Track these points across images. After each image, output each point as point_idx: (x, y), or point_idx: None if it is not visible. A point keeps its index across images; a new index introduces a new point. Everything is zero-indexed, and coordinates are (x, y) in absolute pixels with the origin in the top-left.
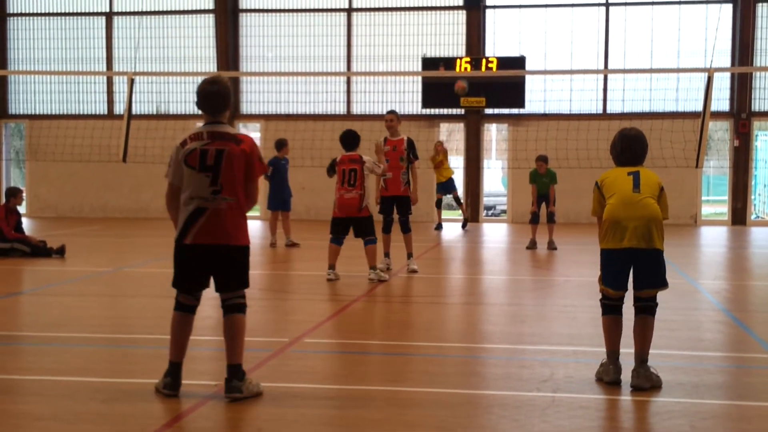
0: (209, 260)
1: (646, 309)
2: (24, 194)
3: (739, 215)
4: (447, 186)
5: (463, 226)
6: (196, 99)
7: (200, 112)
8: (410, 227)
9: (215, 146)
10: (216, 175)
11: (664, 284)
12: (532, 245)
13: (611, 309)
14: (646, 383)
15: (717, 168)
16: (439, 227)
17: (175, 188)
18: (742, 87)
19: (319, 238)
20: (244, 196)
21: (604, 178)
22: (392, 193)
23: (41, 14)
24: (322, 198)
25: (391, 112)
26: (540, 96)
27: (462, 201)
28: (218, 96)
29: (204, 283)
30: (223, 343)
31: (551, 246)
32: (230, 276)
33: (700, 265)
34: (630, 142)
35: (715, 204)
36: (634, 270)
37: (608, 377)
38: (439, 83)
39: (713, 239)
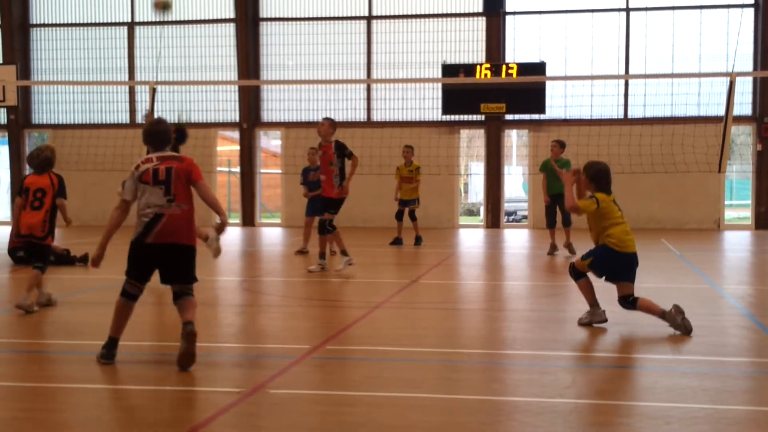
0: (163, 256)
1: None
2: None
3: (762, 219)
4: (408, 201)
5: (417, 243)
6: (142, 137)
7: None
8: (328, 229)
9: (164, 165)
10: (168, 187)
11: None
12: (553, 250)
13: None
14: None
15: (740, 172)
16: (397, 242)
17: (125, 204)
18: (764, 91)
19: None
20: (193, 206)
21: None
22: (326, 194)
23: (64, 25)
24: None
25: (326, 119)
26: (560, 101)
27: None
28: (162, 134)
29: (150, 277)
30: (246, 349)
31: (570, 249)
32: (180, 269)
33: (723, 270)
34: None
35: (739, 208)
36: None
37: (598, 318)
38: (459, 90)
39: (737, 244)
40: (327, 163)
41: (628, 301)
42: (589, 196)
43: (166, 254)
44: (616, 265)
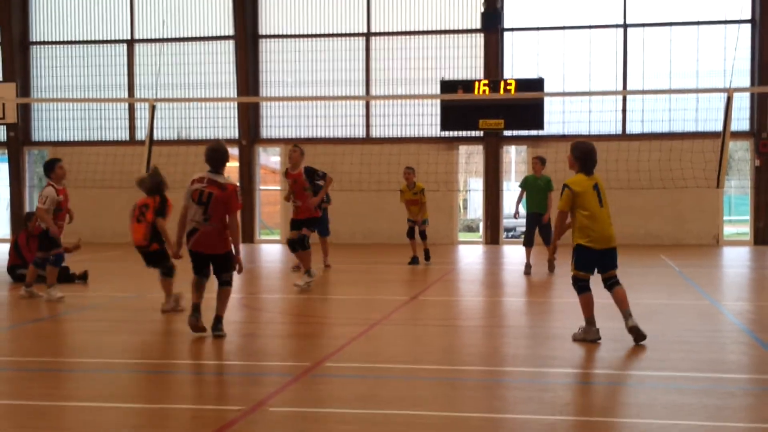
0: (202, 259)
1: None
2: None
3: (761, 235)
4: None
5: (426, 259)
6: (205, 157)
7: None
8: (306, 246)
9: (208, 189)
10: (206, 208)
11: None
12: (528, 270)
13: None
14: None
15: (738, 188)
16: (414, 261)
17: (184, 209)
18: (761, 106)
19: (340, 262)
20: (226, 223)
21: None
22: (303, 216)
23: (63, 42)
24: (342, 222)
25: (297, 147)
26: (559, 117)
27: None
28: (218, 158)
29: (204, 271)
30: (246, 367)
31: (550, 266)
32: (217, 267)
33: (722, 286)
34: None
35: (737, 224)
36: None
37: (592, 336)
38: (457, 106)
39: (736, 259)
40: (301, 189)
41: (607, 284)
42: (562, 186)
43: (204, 258)
44: (592, 258)
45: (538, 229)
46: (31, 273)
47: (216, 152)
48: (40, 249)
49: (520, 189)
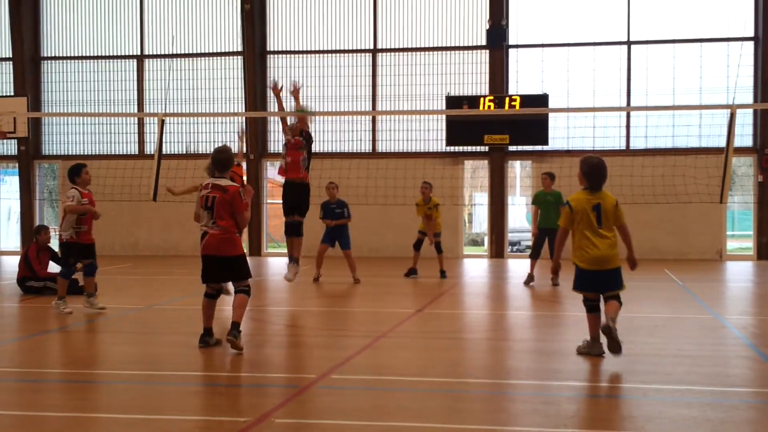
0: (214, 264)
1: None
2: (52, 231)
3: (764, 250)
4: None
5: (442, 276)
6: (209, 162)
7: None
8: (301, 232)
9: (212, 194)
10: (212, 212)
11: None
12: (530, 280)
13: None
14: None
15: (742, 203)
16: (412, 273)
17: (195, 213)
18: (764, 123)
19: (347, 275)
20: (235, 224)
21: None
22: (291, 176)
23: (74, 58)
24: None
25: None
26: (563, 133)
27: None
28: (222, 161)
29: (215, 279)
30: (252, 379)
31: (554, 281)
32: (230, 273)
33: (726, 301)
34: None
35: (741, 239)
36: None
37: (596, 351)
38: (463, 121)
39: (739, 274)
40: (295, 147)
41: (605, 298)
42: (565, 203)
43: (215, 262)
44: (588, 279)
45: (548, 243)
46: (61, 286)
47: (221, 154)
48: (68, 258)
49: (533, 207)
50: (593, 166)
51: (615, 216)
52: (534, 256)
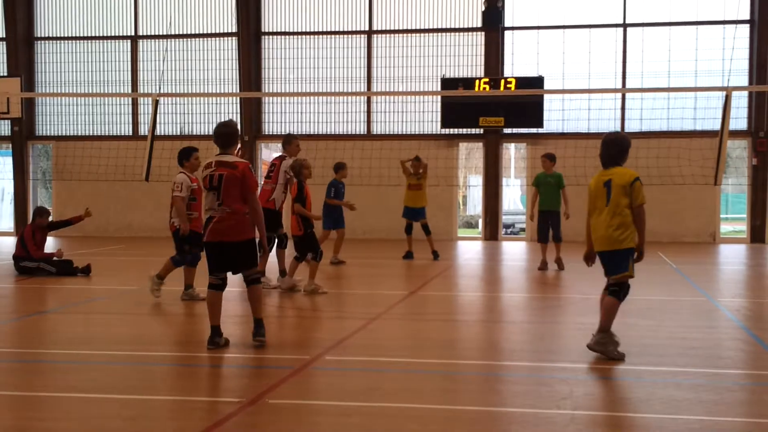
0: (220, 252)
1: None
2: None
3: (758, 233)
4: (417, 212)
5: (435, 258)
6: (213, 136)
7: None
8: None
9: (218, 172)
10: (218, 193)
11: None
12: (544, 266)
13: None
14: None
15: (736, 186)
16: (409, 256)
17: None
18: (759, 106)
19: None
20: (245, 206)
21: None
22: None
23: (68, 38)
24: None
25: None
26: (558, 115)
27: (430, 231)
28: (227, 135)
29: (223, 268)
30: (246, 360)
31: (559, 265)
32: (239, 261)
33: (719, 283)
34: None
35: (734, 222)
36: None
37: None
38: (458, 103)
39: (732, 257)
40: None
41: (605, 288)
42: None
43: (222, 250)
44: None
45: (551, 225)
46: (166, 267)
47: (225, 127)
48: (183, 245)
49: (533, 189)
50: (602, 142)
51: (631, 195)
52: (543, 240)
